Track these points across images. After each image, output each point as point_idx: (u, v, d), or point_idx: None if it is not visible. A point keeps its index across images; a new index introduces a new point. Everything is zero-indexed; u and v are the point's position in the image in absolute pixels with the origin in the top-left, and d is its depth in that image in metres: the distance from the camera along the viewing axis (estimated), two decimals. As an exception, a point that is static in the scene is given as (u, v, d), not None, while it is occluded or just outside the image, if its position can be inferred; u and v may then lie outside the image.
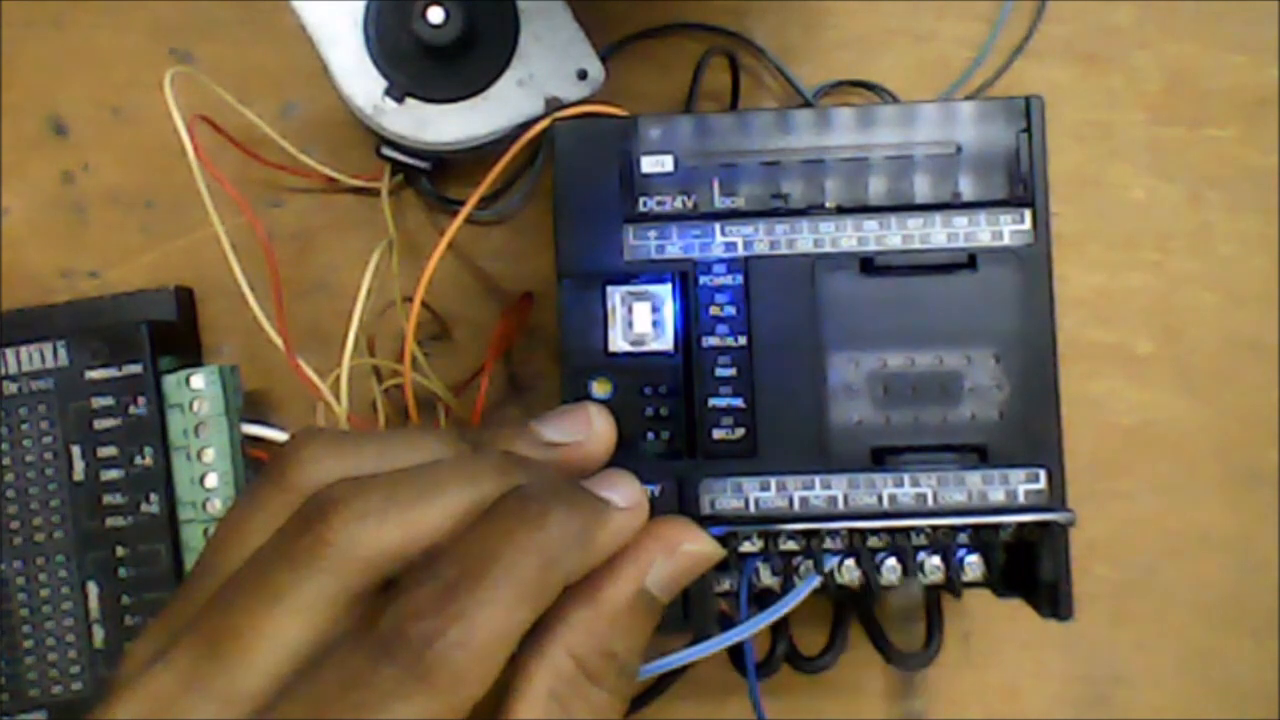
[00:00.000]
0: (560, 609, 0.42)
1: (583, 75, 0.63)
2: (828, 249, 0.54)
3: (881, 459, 0.53)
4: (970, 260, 0.53)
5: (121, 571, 0.62)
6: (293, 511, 0.41)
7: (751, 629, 0.52)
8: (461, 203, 0.64)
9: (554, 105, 0.63)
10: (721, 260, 0.54)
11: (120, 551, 0.62)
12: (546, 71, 0.63)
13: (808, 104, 0.67)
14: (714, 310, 0.54)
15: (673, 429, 0.54)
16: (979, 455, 0.53)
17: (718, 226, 0.54)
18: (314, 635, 0.39)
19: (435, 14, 0.61)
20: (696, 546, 0.47)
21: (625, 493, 0.46)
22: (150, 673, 0.39)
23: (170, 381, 0.62)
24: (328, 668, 0.38)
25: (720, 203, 0.54)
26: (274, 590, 0.39)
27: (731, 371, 0.54)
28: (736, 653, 0.57)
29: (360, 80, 0.62)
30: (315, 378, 0.62)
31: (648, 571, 0.45)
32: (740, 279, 0.54)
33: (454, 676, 0.37)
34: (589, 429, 0.49)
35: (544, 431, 0.48)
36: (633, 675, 0.45)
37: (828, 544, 0.53)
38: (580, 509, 0.43)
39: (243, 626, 0.38)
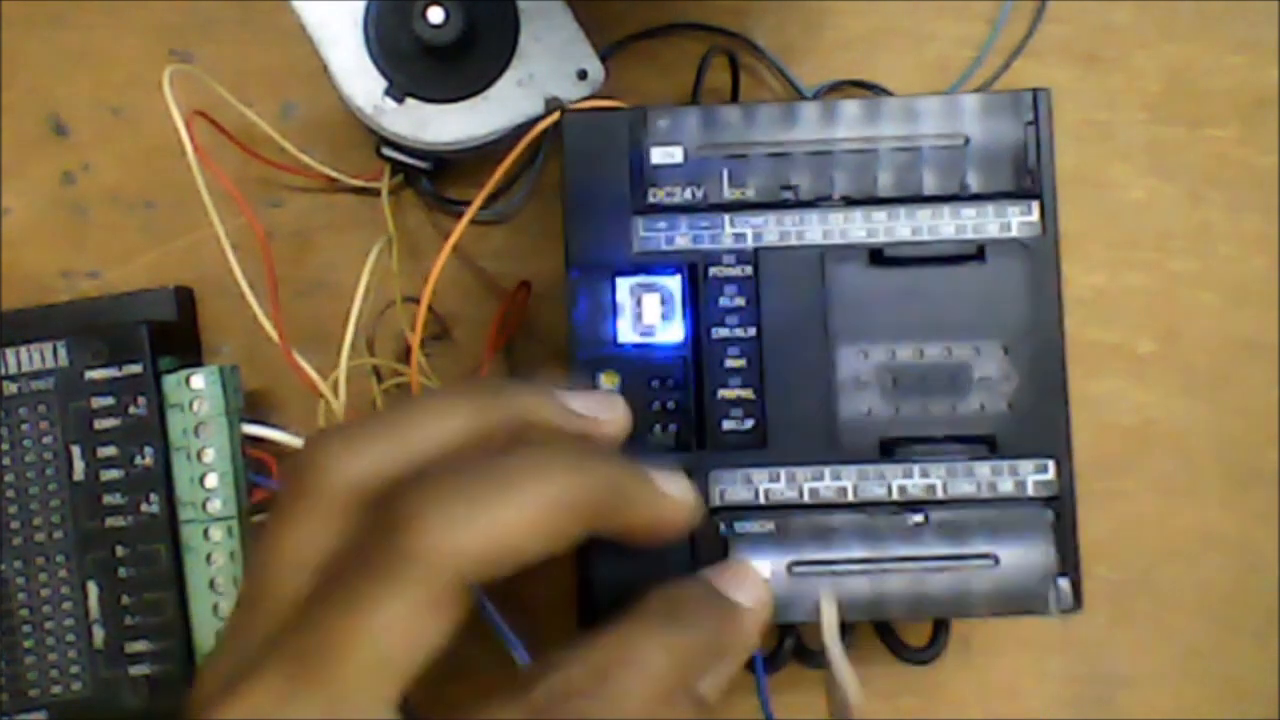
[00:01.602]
0: None
1: (583, 75, 0.63)
2: (837, 240, 0.54)
3: (891, 450, 0.53)
4: (979, 252, 0.54)
5: (121, 571, 0.61)
6: (336, 517, 0.41)
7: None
8: (461, 202, 0.64)
9: (554, 105, 0.63)
10: (730, 252, 0.54)
11: (120, 551, 0.61)
12: (546, 71, 0.63)
13: (808, 104, 0.68)
14: (723, 302, 0.54)
15: (682, 421, 0.54)
16: (988, 446, 0.53)
17: (727, 218, 0.54)
18: (409, 649, 0.38)
19: (435, 14, 0.61)
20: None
21: (752, 592, 0.46)
22: (241, 691, 0.38)
23: (170, 381, 0.62)
24: None
25: (729, 194, 0.54)
26: (363, 605, 0.38)
27: (741, 363, 0.54)
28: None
29: (360, 80, 0.62)
30: (314, 374, 0.61)
31: None
32: (749, 270, 0.54)
33: None
34: (612, 411, 0.49)
35: (569, 400, 0.48)
36: None
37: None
38: (716, 615, 0.44)
39: (336, 644, 0.38)
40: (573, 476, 0.42)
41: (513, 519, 0.40)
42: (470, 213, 0.60)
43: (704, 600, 0.47)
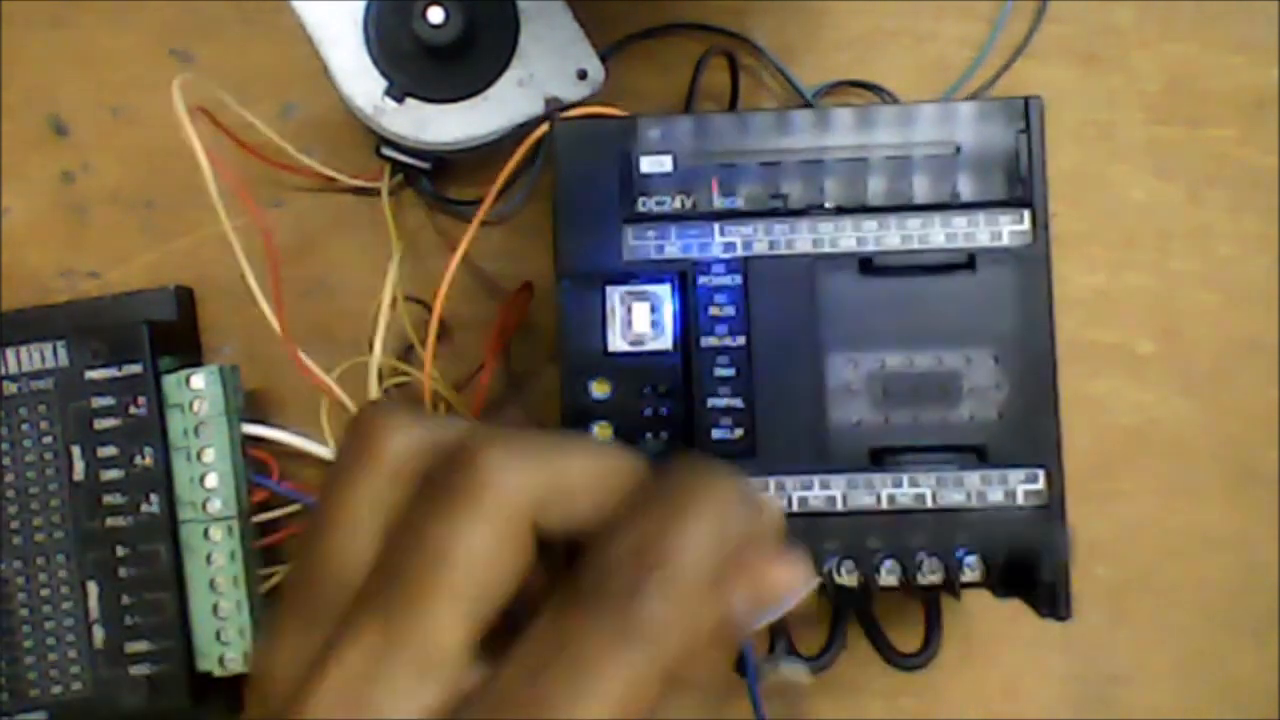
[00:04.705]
0: None
1: (583, 75, 0.63)
2: (827, 249, 0.54)
3: (880, 459, 0.53)
4: (969, 261, 0.53)
5: (121, 571, 0.62)
6: (400, 480, 0.40)
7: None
8: (461, 202, 0.64)
9: (554, 105, 0.63)
10: (720, 260, 0.54)
11: (120, 551, 0.62)
12: (546, 71, 0.63)
13: (807, 104, 0.67)
14: (713, 310, 0.54)
15: (671, 429, 0.54)
16: (978, 456, 0.53)
17: (717, 227, 0.54)
18: (492, 584, 0.38)
19: (435, 14, 0.61)
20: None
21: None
22: (331, 665, 0.37)
23: (170, 381, 0.62)
24: (536, 634, 0.37)
25: (719, 203, 0.54)
26: (438, 550, 0.38)
27: (731, 372, 0.54)
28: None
29: (360, 80, 0.63)
30: (317, 369, 0.62)
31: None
32: (739, 279, 0.54)
33: (663, 628, 0.37)
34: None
35: None
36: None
37: (827, 544, 0.53)
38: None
39: (418, 593, 0.37)
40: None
41: (574, 469, 0.40)
42: (475, 223, 0.60)
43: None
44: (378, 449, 0.41)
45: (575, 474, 0.40)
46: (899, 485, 0.53)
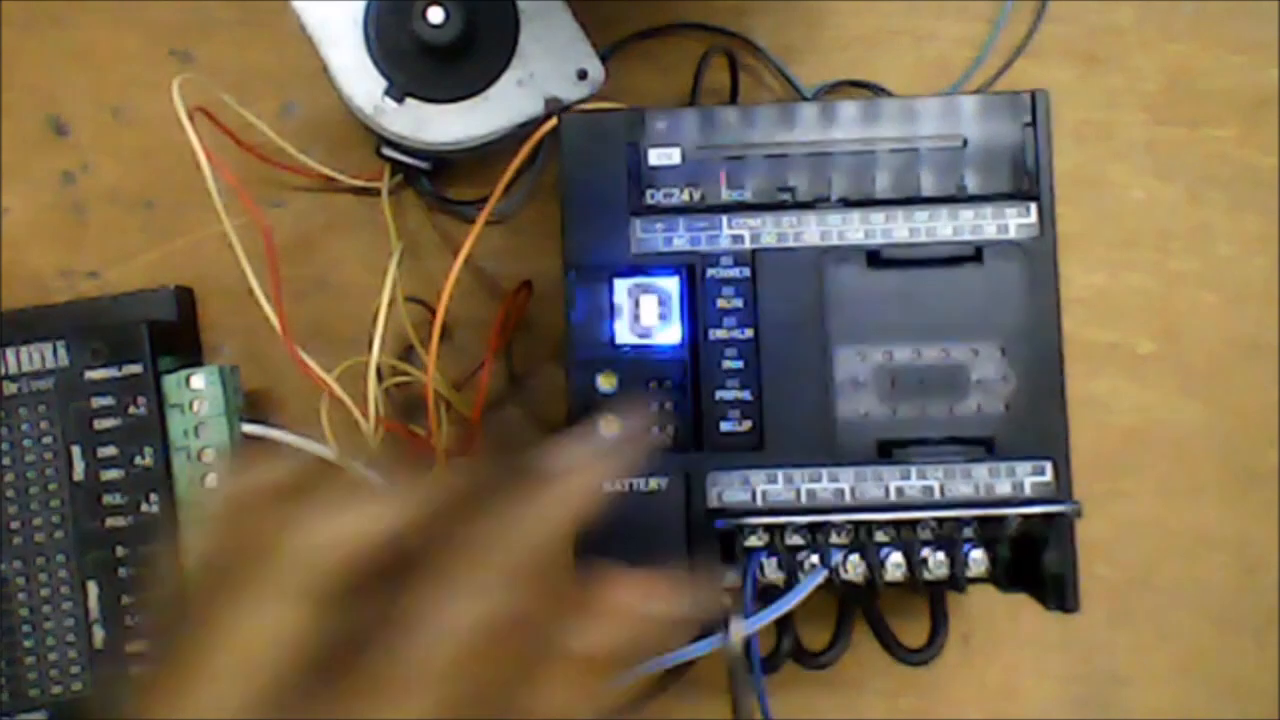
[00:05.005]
0: None
1: (583, 75, 0.63)
2: (834, 242, 0.54)
3: (888, 452, 0.53)
4: (976, 253, 0.54)
5: (121, 571, 0.61)
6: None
7: (757, 624, 0.52)
8: (461, 203, 0.64)
9: (554, 105, 0.63)
10: (728, 253, 0.54)
11: (120, 551, 0.61)
12: (546, 71, 0.63)
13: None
14: (721, 303, 0.54)
15: (679, 422, 0.54)
16: (985, 448, 0.53)
17: (725, 219, 0.54)
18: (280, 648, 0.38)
19: (435, 14, 0.61)
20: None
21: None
22: None
23: (170, 381, 0.62)
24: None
25: (727, 195, 0.54)
26: (224, 630, 0.38)
27: (738, 364, 0.54)
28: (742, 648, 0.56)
29: (360, 80, 0.62)
30: (317, 369, 0.62)
31: None
32: (747, 272, 0.54)
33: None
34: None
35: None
36: None
37: (833, 539, 0.53)
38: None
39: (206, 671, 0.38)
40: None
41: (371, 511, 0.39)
42: (479, 224, 0.60)
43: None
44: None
45: (373, 519, 0.39)
46: (907, 478, 0.53)
